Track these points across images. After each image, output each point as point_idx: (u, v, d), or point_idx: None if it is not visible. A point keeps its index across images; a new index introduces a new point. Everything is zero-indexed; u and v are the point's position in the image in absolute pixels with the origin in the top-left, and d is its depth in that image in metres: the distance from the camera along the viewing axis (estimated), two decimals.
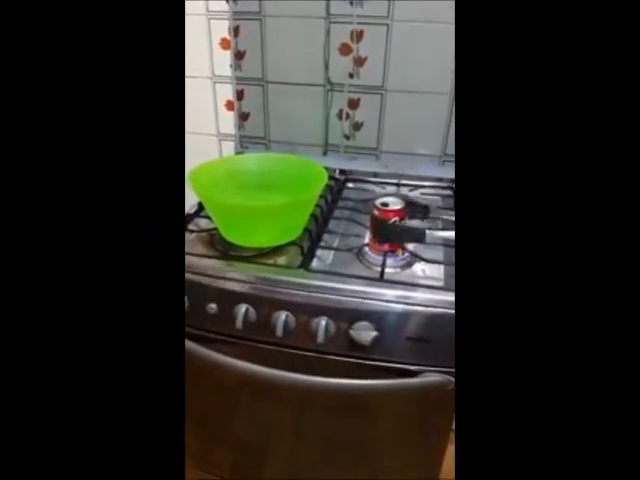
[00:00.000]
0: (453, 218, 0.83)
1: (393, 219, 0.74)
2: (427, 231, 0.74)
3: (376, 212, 0.75)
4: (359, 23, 0.93)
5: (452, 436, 0.83)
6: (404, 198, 0.79)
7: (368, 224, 0.81)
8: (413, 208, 0.82)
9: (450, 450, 0.83)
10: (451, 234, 0.76)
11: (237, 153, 1.14)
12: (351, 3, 0.92)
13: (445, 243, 0.78)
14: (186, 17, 1.01)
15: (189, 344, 0.73)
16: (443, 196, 0.96)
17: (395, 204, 0.76)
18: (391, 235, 0.75)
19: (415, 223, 0.81)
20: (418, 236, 0.74)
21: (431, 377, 0.69)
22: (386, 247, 0.76)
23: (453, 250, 0.76)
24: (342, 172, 1.03)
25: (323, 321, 0.67)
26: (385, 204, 0.76)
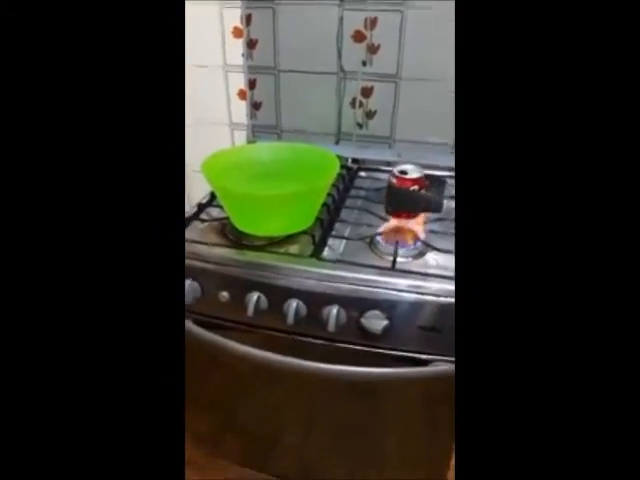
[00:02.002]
0: None
1: (412, 188, 0.73)
2: (445, 201, 0.72)
3: (393, 180, 0.74)
4: (373, 10, 0.92)
5: None
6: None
7: (380, 213, 0.81)
8: (429, 182, 0.80)
9: None
10: None
11: (249, 142, 1.14)
12: None
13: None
14: (198, 6, 1.01)
15: (201, 331, 0.74)
16: None
17: (413, 172, 0.74)
18: (407, 203, 0.73)
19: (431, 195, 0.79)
20: (436, 205, 0.72)
21: (442, 366, 0.69)
22: (400, 219, 0.72)
23: None
24: (355, 161, 1.03)
25: (334, 309, 0.67)
26: (404, 172, 0.74)
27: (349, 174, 0.98)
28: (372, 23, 0.93)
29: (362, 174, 1.01)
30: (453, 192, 0.84)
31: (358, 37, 0.95)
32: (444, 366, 0.69)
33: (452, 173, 0.97)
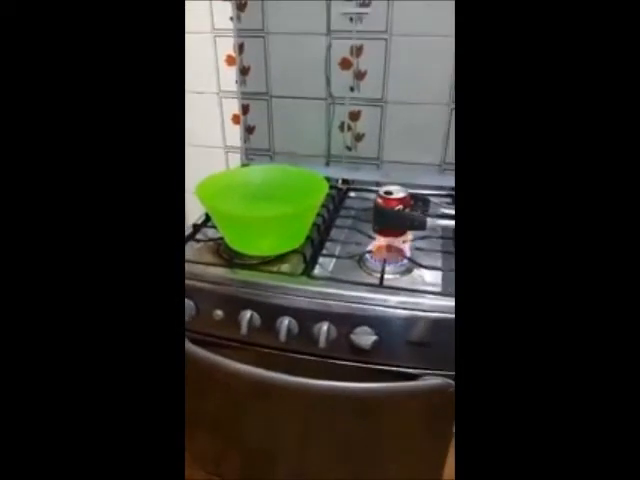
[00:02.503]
0: (452, 211, 0.85)
1: (397, 207, 0.76)
2: (428, 219, 0.75)
3: (379, 200, 0.77)
4: (359, 38, 0.97)
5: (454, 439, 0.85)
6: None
7: (369, 232, 0.84)
8: (414, 201, 0.83)
9: (452, 453, 0.84)
10: (451, 223, 0.77)
11: (243, 165, 1.17)
12: (351, 19, 0.96)
13: (444, 235, 0.82)
14: (193, 35, 1.06)
15: (197, 349, 0.76)
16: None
17: (398, 192, 0.78)
18: (393, 222, 0.77)
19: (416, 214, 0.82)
20: (420, 223, 0.75)
21: (432, 380, 0.71)
22: (387, 237, 0.76)
23: (451, 257, 0.78)
24: (344, 182, 1.06)
25: (325, 326, 0.69)
26: (389, 192, 0.78)
27: (339, 195, 1.02)
28: (358, 51, 0.98)
29: (352, 194, 1.04)
30: (438, 210, 0.88)
31: (345, 64, 1.00)
32: (433, 380, 0.70)
33: (438, 192, 1.00)
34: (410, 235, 0.82)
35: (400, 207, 0.76)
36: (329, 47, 0.99)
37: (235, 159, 1.19)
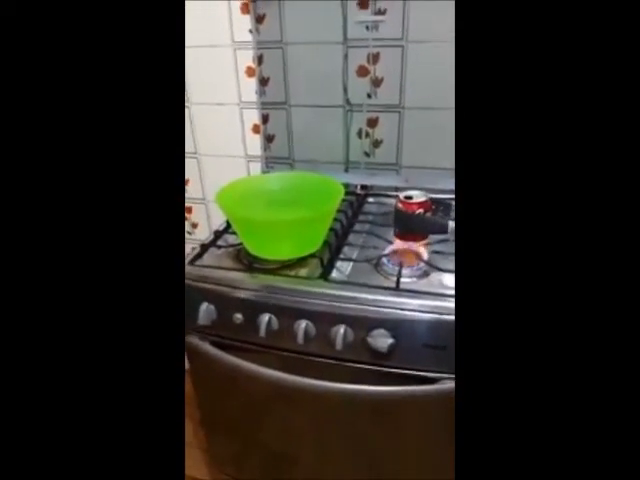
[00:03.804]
0: None
1: (417, 211, 0.77)
2: (450, 222, 0.75)
3: (400, 205, 0.78)
4: (375, 46, 0.98)
5: None
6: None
7: (387, 236, 0.85)
8: (434, 205, 0.84)
9: None
10: None
11: (263, 172, 1.20)
12: (367, 27, 0.97)
13: None
14: (214, 48, 1.09)
15: (220, 354, 0.78)
16: None
17: (419, 197, 0.79)
18: (414, 226, 0.77)
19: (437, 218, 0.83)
20: (441, 227, 0.75)
21: (449, 384, 0.70)
22: (410, 242, 0.76)
23: None
24: (363, 187, 1.07)
25: (342, 329, 0.70)
26: (409, 197, 0.79)
27: (357, 200, 1.03)
28: (375, 58, 0.99)
29: (370, 200, 1.05)
30: None
31: (362, 72, 1.01)
32: (451, 384, 0.70)
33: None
34: (428, 239, 0.82)
35: (421, 211, 0.77)
36: (346, 55, 1.01)
37: (256, 168, 1.22)
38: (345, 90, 1.04)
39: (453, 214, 0.89)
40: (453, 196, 1.00)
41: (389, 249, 0.81)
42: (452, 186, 1.01)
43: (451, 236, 0.82)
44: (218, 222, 0.98)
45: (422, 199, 0.81)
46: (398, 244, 0.81)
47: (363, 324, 0.70)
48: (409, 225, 0.78)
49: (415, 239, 0.82)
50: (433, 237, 0.83)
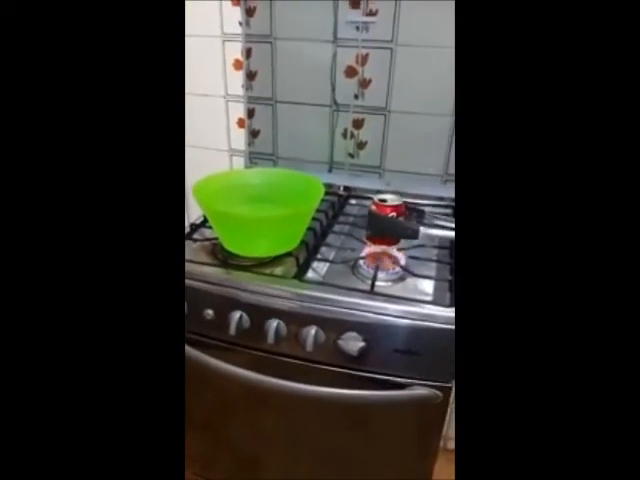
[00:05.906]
0: (446, 223, 0.85)
1: (390, 214, 0.76)
2: (422, 229, 0.75)
3: (373, 207, 0.77)
4: (364, 47, 0.97)
5: (444, 452, 0.84)
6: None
7: (364, 239, 0.84)
8: (408, 210, 0.84)
9: (440, 462, 0.83)
10: (443, 233, 0.77)
11: (246, 168, 1.18)
12: (357, 28, 0.96)
13: (439, 245, 0.80)
14: (202, 38, 1.07)
15: (193, 352, 0.76)
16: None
17: (393, 200, 0.78)
18: (386, 229, 0.77)
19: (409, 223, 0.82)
20: (412, 232, 0.75)
21: (419, 390, 0.70)
22: (381, 244, 0.76)
23: (445, 266, 0.78)
24: (346, 189, 1.06)
25: (313, 330, 0.69)
26: (383, 200, 0.78)
27: (339, 201, 1.02)
28: (363, 59, 0.99)
29: (352, 201, 1.04)
30: (432, 221, 0.87)
31: (350, 72, 1.01)
32: (421, 390, 0.70)
33: (438, 202, 1.00)
34: (404, 244, 0.82)
35: (394, 215, 0.76)
36: (335, 55, 1.00)
37: (239, 162, 1.20)
38: (332, 89, 1.03)
39: (427, 221, 0.89)
40: (436, 202, 1.00)
41: (365, 252, 0.80)
42: (435, 192, 1.02)
43: (427, 242, 0.82)
44: (196, 215, 0.96)
45: (396, 203, 0.81)
46: (375, 247, 0.81)
47: (335, 326, 0.69)
48: (381, 228, 0.78)
49: (386, 242, 0.81)
50: (411, 242, 0.82)
